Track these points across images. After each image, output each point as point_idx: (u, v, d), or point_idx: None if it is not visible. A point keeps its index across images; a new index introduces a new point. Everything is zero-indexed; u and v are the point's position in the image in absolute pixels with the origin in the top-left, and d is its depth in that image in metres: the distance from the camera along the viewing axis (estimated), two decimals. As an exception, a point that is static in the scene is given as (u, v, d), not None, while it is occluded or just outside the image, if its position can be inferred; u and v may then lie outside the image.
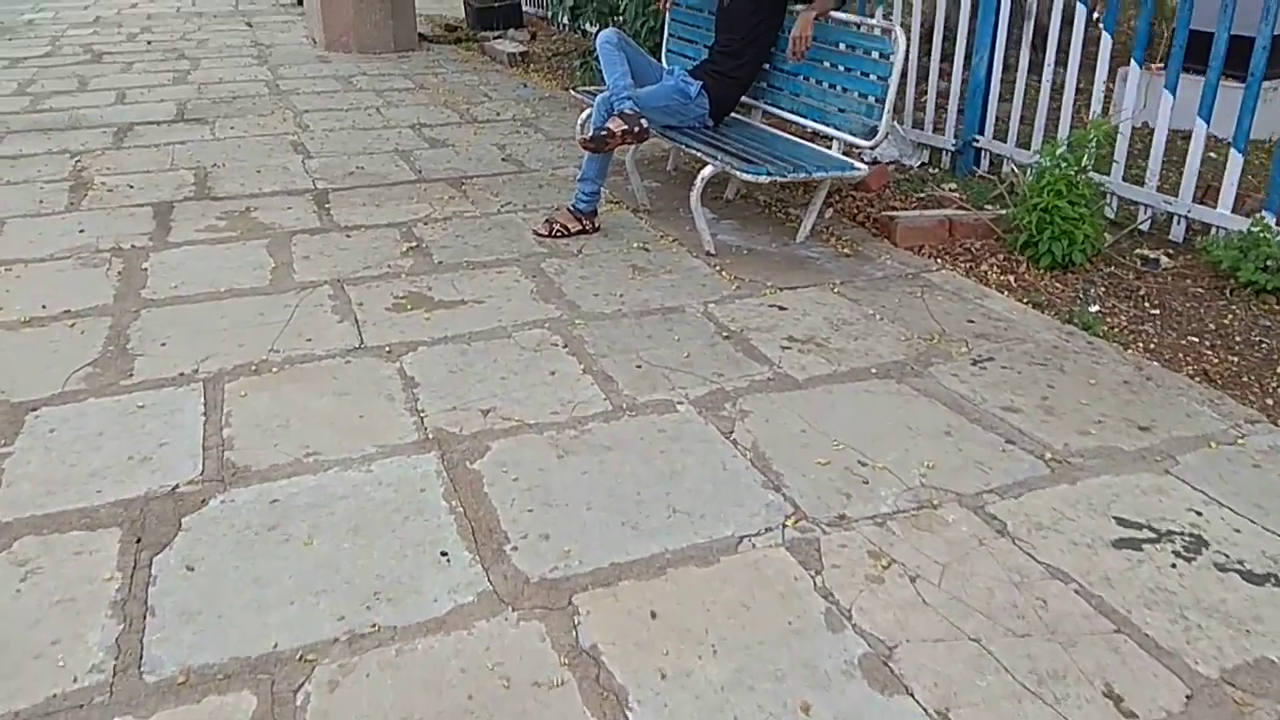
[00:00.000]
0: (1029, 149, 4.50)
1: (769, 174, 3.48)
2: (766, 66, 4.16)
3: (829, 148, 3.85)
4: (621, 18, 6.32)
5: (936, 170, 4.96)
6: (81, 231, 4.00)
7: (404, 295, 3.42)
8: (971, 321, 3.22)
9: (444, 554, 2.06)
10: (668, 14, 4.65)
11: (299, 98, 6.79)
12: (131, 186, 4.64)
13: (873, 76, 3.59)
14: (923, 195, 4.55)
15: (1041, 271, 3.66)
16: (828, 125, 3.83)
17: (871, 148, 3.67)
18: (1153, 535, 2.15)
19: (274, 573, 2.01)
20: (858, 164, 3.61)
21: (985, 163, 4.78)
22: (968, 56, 4.70)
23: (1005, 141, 4.61)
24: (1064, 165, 3.62)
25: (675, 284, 3.54)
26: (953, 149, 4.90)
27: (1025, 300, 3.44)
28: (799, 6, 4.02)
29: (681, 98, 4.01)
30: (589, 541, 2.11)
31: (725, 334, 3.12)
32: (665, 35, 4.98)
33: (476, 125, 6.08)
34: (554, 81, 7.54)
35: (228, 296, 3.40)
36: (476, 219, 4.27)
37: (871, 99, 3.60)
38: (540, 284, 3.53)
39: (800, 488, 2.30)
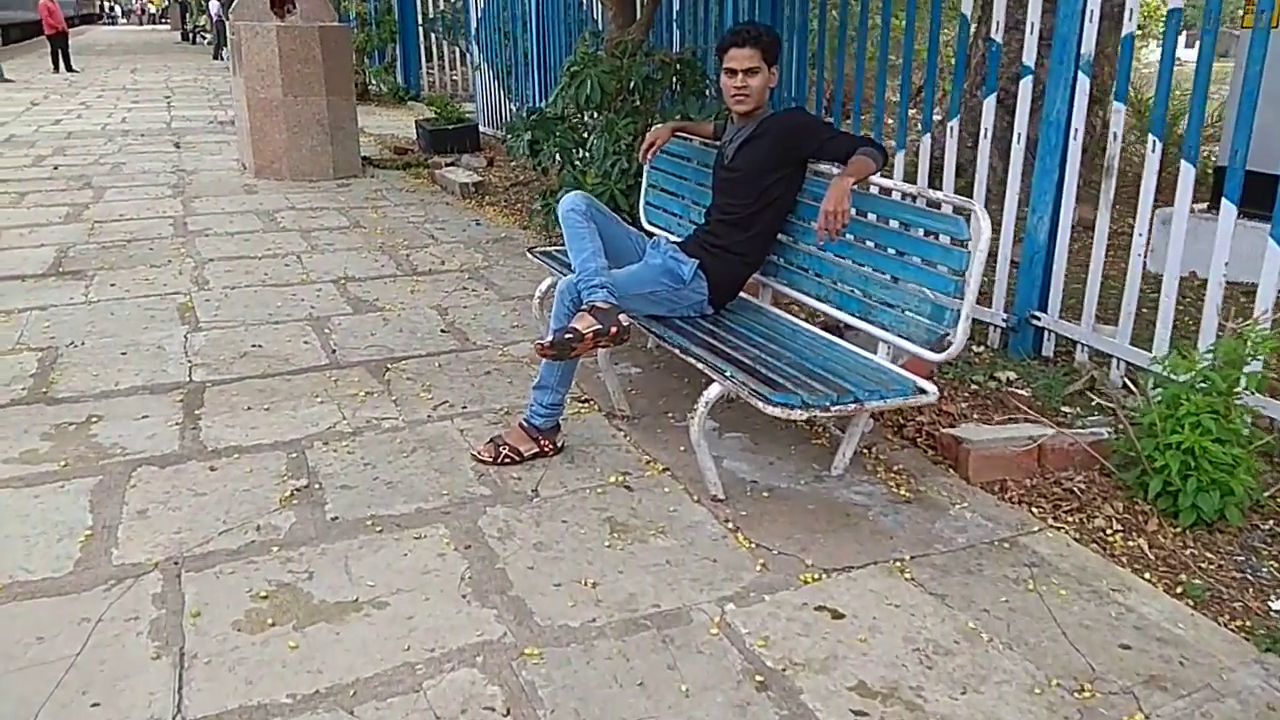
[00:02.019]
0: (1113, 329, 3.54)
1: (803, 404, 2.43)
2: (782, 237, 3.18)
3: (872, 348, 2.84)
4: (588, 153, 5.39)
5: (983, 349, 3.98)
6: None
7: (267, 592, 2.28)
8: (1126, 647, 2.14)
9: None
10: (648, 164, 3.67)
11: (207, 240, 5.74)
12: (-58, 381, 3.51)
13: (941, 267, 2.60)
14: (978, 390, 3.54)
15: (1180, 531, 2.63)
16: (873, 323, 2.82)
17: (941, 362, 2.66)
18: None
19: None
20: (925, 385, 2.59)
21: (1049, 344, 3.80)
22: (1021, 205, 3.77)
23: (1079, 322, 3.64)
24: (1208, 385, 2.63)
25: (673, 559, 2.45)
26: (1004, 325, 3.92)
27: (1180, 590, 2.38)
28: (825, 166, 3.07)
29: (672, 282, 3.00)
30: None
31: (758, 678, 2.01)
32: (644, 186, 4.02)
33: (415, 278, 5.04)
34: (510, 217, 6.58)
35: (3, 600, 2.25)
36: (397, 432, 3.17)
37: (939, 296, 2.60)
38: (476, 562, 2.42)
39: None
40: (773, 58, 3.02)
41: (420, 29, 13.30)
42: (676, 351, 2.85)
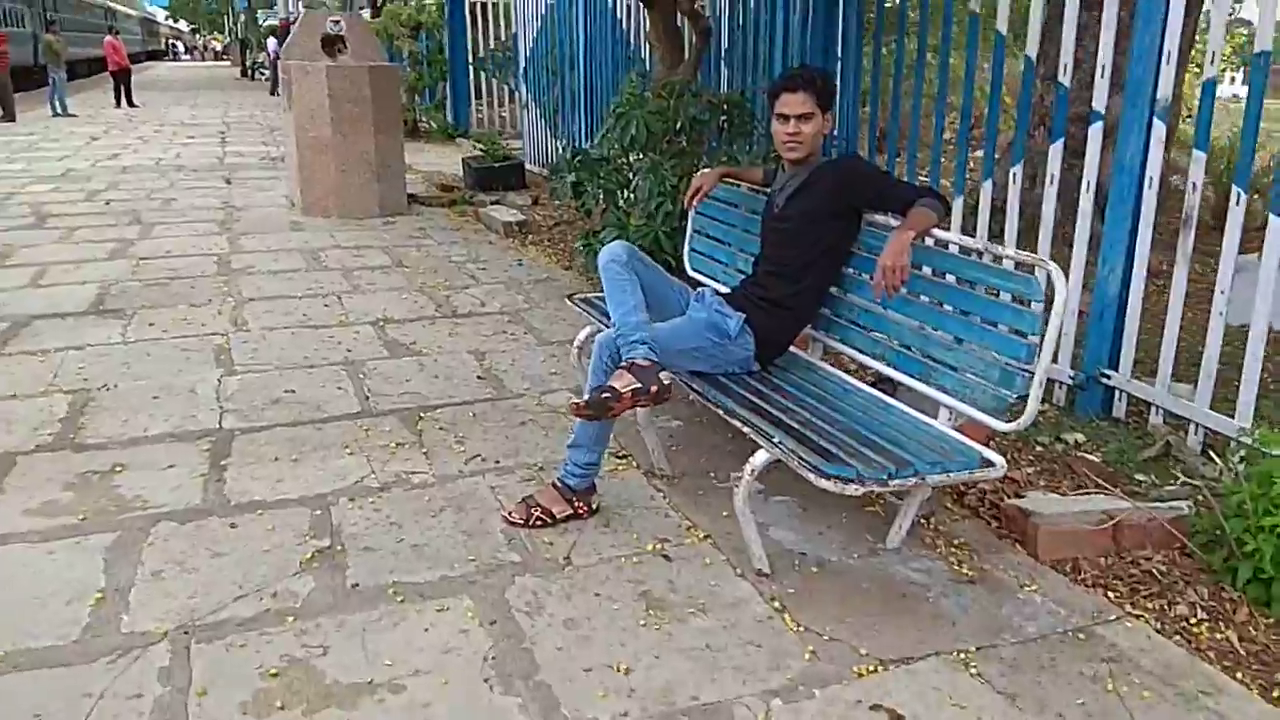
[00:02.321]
0: (1190, 389, 3.30)
1: (859, 477, 2.24)
2: (834, 290, 3.00)
3: (928, 407, 2.65)
4: (633, 194, 5.27)
5: (1048, 407, 3.74)
6: None
7: (279, 669, 2.14)
8: (1223, 764, 1.91)
9: None
10: (693, 210, 3.52)
11: (249, 279, 5.71)
12: (-29, 424, 3.45)
13: (1008, 329, 2.41)
14: (1043, 452, 3.32)
15: (1274, 623, 2.38)
16: (933, 385, 2.62)
17: (1012, 432, 2.45)
18: None
19: None
20: (992, 456, 2.38)
21: (1120, 404, 3.56)
22: (1092, 254, 3.56)
23: (1153, 381, 3.40)
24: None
25: (713, 642, 2.26)
26: (1070, 382, 3.69)
27: (1277, 694, 2.14)
28: (882, 217, 2.89)
29: (717, 337, 2.83)
30: None
31: (806, 790, 1.81)
32: (689, 231, 3.87)
33: (454, 321, 4.94)
34: (554, 257, 6.48)
35: (4, 669, 2.13)
36: (427, 489, 3.03)
37: (1008, 360, 2.40)
38: (501, 640, 2.25)
39: None
40: (827, 102, 2.87)
41: (470, 67, 13.41)
42: (720, 413, 2.68)
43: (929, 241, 2.64)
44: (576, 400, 2.60)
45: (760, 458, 2.42)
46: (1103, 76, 3.46)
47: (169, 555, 2.61)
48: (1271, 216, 2.95)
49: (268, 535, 2.73)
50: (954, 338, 2.57)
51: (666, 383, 2.61)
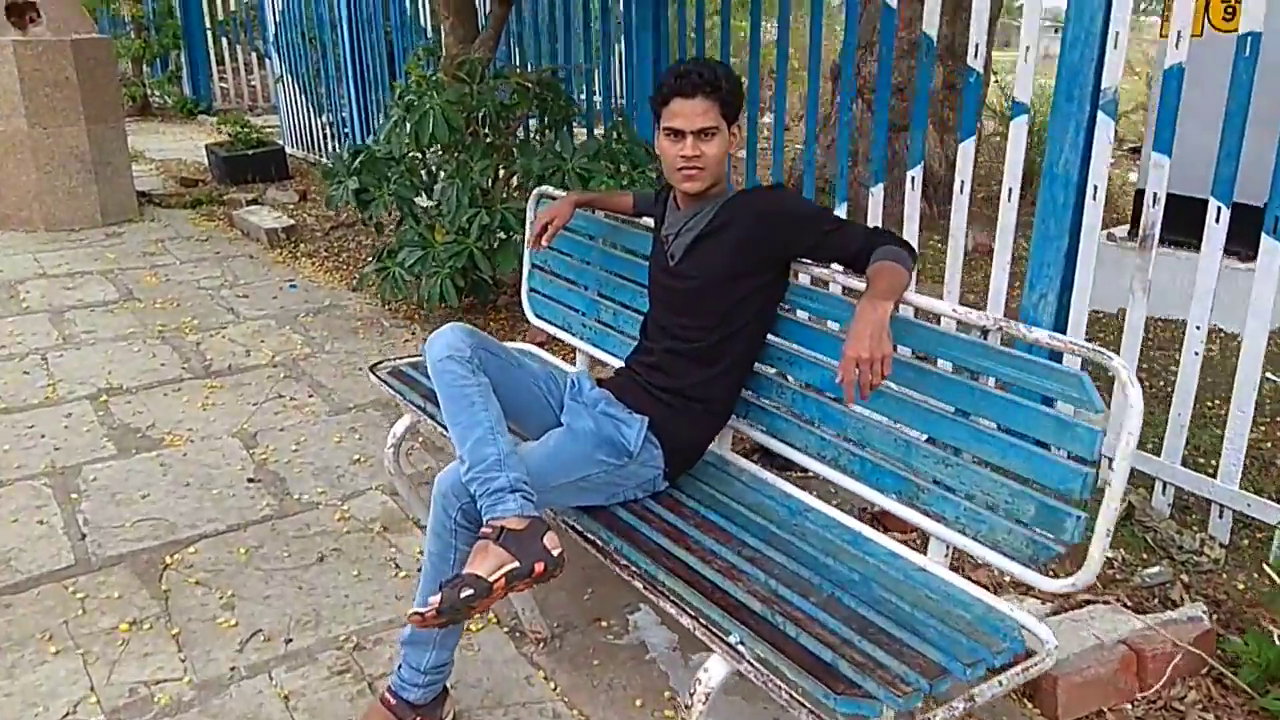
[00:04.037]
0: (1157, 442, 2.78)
1: (884, 709, 1.46)
2: (759, 367, 2.19)
3: (920, 543, 1.91)
4: (437, 204, 4.24)
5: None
6: None
7: None
8: None
9: None
10: (543, 247, 2.57)
11: (-93, 337, 4.21)
12: None
13: (1059, 450, 1.68)
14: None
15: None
16: (922, 512, 1.86)
17: (1062, 592, 1.75)
18: None
19: None
20: (1036, 625, 1.66)
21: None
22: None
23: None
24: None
25: None
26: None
27: None
28: (820, 269, 2.10)
29: (613, 457, 1.95)
30: None
31: None
32: (527, 266, 2.94)
33: (210, 382, 3.76)
34: (335, 274, 5.32)
35: None
36: (180, 714, 1.99)
37: (1054, 496, 1.68)
38: None
39: None
40: (734, 112, 2.03)
41: (209, 32, 11.54)
42: (630, 578, 1.81)
43: (903, 309, 1.88)
44: (419, 611, 1.65)
45: (715, 673, 1.59)
46: (1025, 61, 2.84)
47: None
48: (1265, 236, 2.42)
49: None
50: (951, 449, 1.83)
51: (556, 553, 1.72)
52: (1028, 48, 2.82)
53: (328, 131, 8.06)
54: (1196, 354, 2.57)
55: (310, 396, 3.66)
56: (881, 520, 2.70)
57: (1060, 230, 2.82)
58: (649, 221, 2.46)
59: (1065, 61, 2.71)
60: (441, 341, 1.91)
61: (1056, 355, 2.07)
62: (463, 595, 1.61)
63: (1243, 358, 2.50)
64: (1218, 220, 2.48)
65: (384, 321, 4.51)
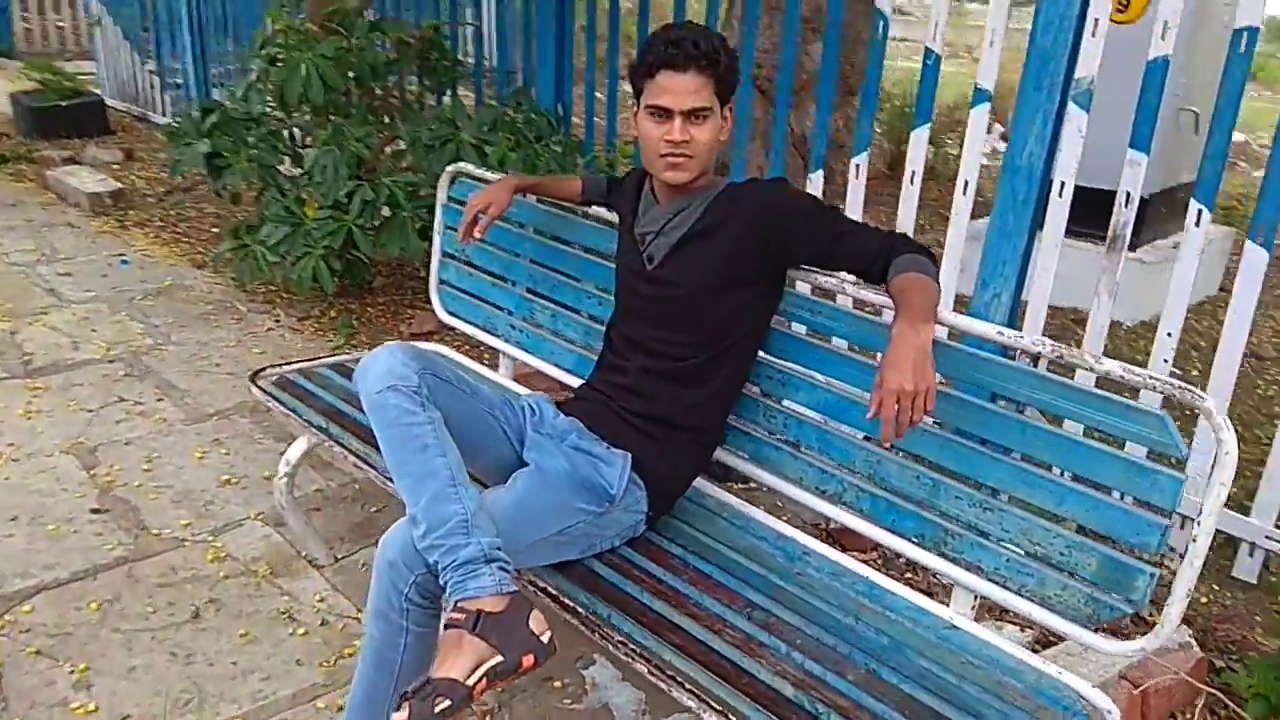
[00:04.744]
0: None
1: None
2: (749, 388, 1.88)
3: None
4: (306, 173, 3.69)
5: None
6: None
7: None
8: None
9: None
10: (475, 240, 2.16)
11: None
12: None
13: (1125, 498, 1.46)
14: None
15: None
16: (952, 560, 1.62)
17: (1127, 656, 1.54)
18: None
19: None
20: (1093, 695, 1.44)
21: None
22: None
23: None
24: None
25: None
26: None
27: None
28: (826, 278, 1.80)
29: (593, 504, 1.60)
30: None
31: None
32: (437, 252, 2.52)
33: (31, 384, 3.13)
34: (175, 247, 4.64)
35: None
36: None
37: (1123, 550, 1.46)
38: None
39: None
40: (729, 92, 1.70)
41: (6, -38, 10.13)
42: (624, 656, 1.48)
43: (941, 331, 1.61)
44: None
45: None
46: (991, 45, 2.64)
47: None
48: (1249, 244, 2.31)
49: None
50: (989, 489, 1.59)
51: (546, 638, 1.36)
52: (994, 31, 2.62)
53: (156, 83, 7.15)
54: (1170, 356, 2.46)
55: (159, 400, 3.09)
56: (838, 537, 2.49)
57: (1020, 227, 2.65)
58: (602, 212, 2.11)
59: (1035, 46, 2.53)
60: (380, 368, 1.50)
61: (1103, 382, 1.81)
62: (437, 709, 1.24)
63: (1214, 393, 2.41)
64: (1198, 224, 2.36)
65: (239, 305, 3.94)
